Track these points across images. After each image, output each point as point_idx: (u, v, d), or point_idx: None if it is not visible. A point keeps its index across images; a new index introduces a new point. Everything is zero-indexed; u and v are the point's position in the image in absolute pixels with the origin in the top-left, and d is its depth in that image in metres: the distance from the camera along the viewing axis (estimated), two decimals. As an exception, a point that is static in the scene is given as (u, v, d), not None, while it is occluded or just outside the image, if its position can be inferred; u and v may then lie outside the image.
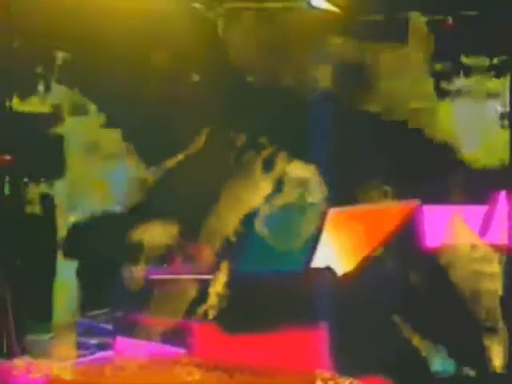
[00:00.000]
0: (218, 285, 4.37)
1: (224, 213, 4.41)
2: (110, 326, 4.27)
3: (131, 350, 4.22)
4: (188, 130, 4.40)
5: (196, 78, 4.48)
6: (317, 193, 4.40)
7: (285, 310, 4.29)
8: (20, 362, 3.94)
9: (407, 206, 4.45)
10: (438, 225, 4.45)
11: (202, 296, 4.36)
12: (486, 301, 4.38)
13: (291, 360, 4.25)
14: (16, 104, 4.47)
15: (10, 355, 3.94)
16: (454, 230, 4.43)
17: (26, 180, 4.46)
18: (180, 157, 4.41)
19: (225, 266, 4.38)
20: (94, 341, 4.22)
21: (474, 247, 4.42)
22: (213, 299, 4.35)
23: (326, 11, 4.52)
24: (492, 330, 4.36)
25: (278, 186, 4.43)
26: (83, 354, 4.18)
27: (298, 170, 4.44)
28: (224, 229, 4.41)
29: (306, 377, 4.19)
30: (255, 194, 4.43)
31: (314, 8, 4.55)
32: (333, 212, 4.45)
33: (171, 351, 4.23)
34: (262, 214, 4.40)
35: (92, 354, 4.18)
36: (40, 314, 4.20)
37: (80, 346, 4.21)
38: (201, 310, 4.34)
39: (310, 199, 4.43)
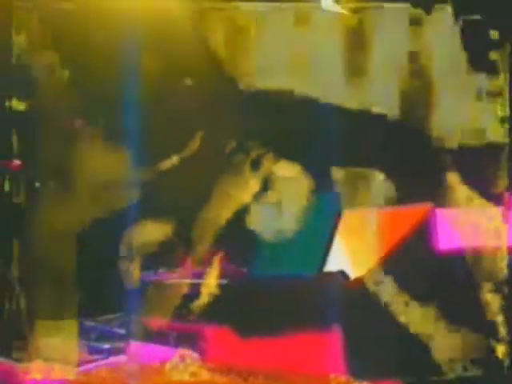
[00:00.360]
0: (211, 279, 4.37)
1: (215, 209, 4.45)
2: (122, 331, 4.23)
3: (144, 355, 4.19)
4: (182, 132, 4.44)
5: (189, 82, 4.53)
6: (302, 189, 4.45)
7: (298, 313, 4.27)
8: (33, 366, 3.90)
9: (420, 209, 4.43)
10: (451, 227, 4.44)
11: (195, 293, 4.36)
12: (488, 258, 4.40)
13: (305, 364, 4.22)
14: (15, 104, 4.48)
15: (24, 358, 3.91)
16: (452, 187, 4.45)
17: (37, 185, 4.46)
18: (174, 159, 4.45)
19: (216, 261, 4.39)
20: (106, 345, 4.19)
21: (469, 199, 4.43)
22: (205, 295, 4.35)
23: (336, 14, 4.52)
24: (493, 292, 4.37)
25: (265, 184, 4.50)
26: (96, 358, 4.14)
27: (285, 169, 4.48)
28: (217, 221, 4.44)
29: (321, 381, 4.16)
30: (244, 191, 4.48)
31: (324, 11, 4.56)
32: (346, 215, 4.43)
33: (184, 355, 4.20)
34: (253, 211, 4.45)
35: (105, 358, 4.15)
36: (53, 317, 4.17)
37: (93, 350, 4.18)
38: (194, 306, 4.33)
39: (295, 194, 4.47)
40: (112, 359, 4.14)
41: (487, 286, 4.44)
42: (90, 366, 4.08)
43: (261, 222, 4.44)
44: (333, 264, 4.42)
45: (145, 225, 4.40)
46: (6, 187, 4.41)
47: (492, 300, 4.44)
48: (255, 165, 4.49)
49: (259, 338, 4.23)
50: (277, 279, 4.35)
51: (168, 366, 4.14)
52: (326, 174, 4.49)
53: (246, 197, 4.47)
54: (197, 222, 4.46)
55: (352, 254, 4.43)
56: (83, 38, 4.38)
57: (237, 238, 4.42)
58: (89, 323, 4.23)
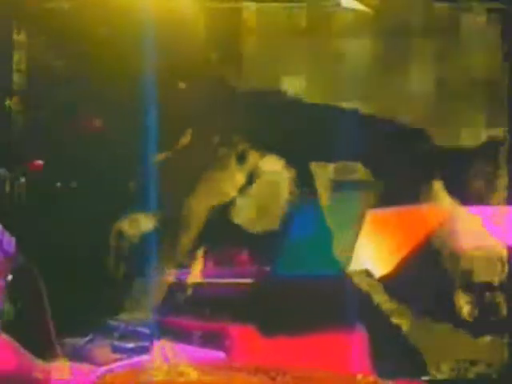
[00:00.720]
0: (194, 274, 4.35)
1: (200, 202, 4.48)
2: (146, 330, 4.16)
3: (169, 354, 4.11)
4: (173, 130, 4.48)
5: (182, 85, 4.57)
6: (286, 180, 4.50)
7: (323, 313, 4.22)
8: (58, 365, 3.81)
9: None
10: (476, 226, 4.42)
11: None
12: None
13: (331, 363, 4.16)
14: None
15: (49, 358, 3.81)
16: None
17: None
18: (166, 154, 4.49)
19: (200, 254, 4.39)
20: (130, 345, 4.11)
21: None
22: (190, 287, 4.31)
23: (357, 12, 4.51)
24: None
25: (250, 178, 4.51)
26: (120, 358, 4.06)
27: (270, 163, 4.50)
28: (201, 215, 4.46)
29: (348, 381, 4.09)
30: (231, 184, 4.53)
31: (344, 9, 4.54)
32: (371, 213, 4.39)
33: (210, 355, 4.12)
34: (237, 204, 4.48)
35: (129, 358, 4.06)
36: (77, 316, 4.09)
37: (116, 349, 4.10)
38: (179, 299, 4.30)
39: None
40: (136, 359, 4.05)
41: None
42: (114, 365, 3.99)
43: (244, 215, 4.45)
44: (357, 263, 4.38)
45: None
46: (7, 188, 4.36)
47: None
48: (241, 159, 4.54)
49: (284, 337, 4.17)
50: (301, 278, 4.30)
51: (148, 365, 4.01)
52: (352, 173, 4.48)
53: (231, 190, 4.51)
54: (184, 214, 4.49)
55: (376, 253, 4.39)
56: (83, 37, 4.37)
57: (221, 230, 4.44)
58: (112, 322, 4.16)
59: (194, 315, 4.24)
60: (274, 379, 4.00)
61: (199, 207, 4.48)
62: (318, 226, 4.38)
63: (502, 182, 4.51)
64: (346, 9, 4.53)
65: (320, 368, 4.09)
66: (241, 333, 4.19)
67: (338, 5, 4.55)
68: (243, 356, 4.14)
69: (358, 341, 4.21)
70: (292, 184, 4.47)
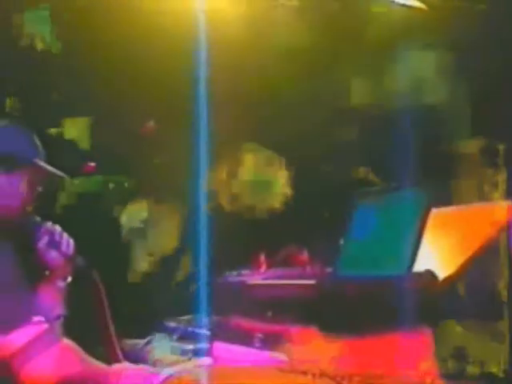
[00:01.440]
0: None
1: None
2: (206, 331, 4.06)
3: (229, 357, 4.00)
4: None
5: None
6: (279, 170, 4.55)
7: (387, 314, 4.10)
8: (120, 368, 3.72)
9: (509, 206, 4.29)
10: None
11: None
12: None
13: (397, 366, 4.04)
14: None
15: (111, 360, 3.72)
16: None
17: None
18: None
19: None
20: (189, 346, 4.01)
21: None
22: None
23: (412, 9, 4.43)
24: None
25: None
26: (179, 359, 3.97)
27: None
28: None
29: (417, 385, 3.98)
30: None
31: (399, 5, 4.46)
32: (434, 213, 4.27)
33: (272, 357, 4.02)
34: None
35: (189, 360, 3.96)
36: (136, 317, 4.02)
37: (175, 351, 4.01)
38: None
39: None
40: (196, 361, 3.95)
41: None
42: (174, 367, 3.89)
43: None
44: (421, 264, 4.26)
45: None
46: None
47: None
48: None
49: (348, 339, 4.06)
50: (363, 279, 4.19)
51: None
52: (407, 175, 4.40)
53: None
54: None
55: (440, 253, 4.27)
56: (94, 35, 4.34)
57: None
58: (171, 323, 4.07)
59: (255, 317, 4.14)
60: (339, 383, 3.89)
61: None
62: (380, 225, 4.27)
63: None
64: (402, 5, 4.45)
65: (386, 372, 3.97)
66: (303, 335, 4.08)
67: (393, 1, 4.46)
68: (305, 359, 4.03)
69: (423, 343, 4.09)
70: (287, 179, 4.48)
